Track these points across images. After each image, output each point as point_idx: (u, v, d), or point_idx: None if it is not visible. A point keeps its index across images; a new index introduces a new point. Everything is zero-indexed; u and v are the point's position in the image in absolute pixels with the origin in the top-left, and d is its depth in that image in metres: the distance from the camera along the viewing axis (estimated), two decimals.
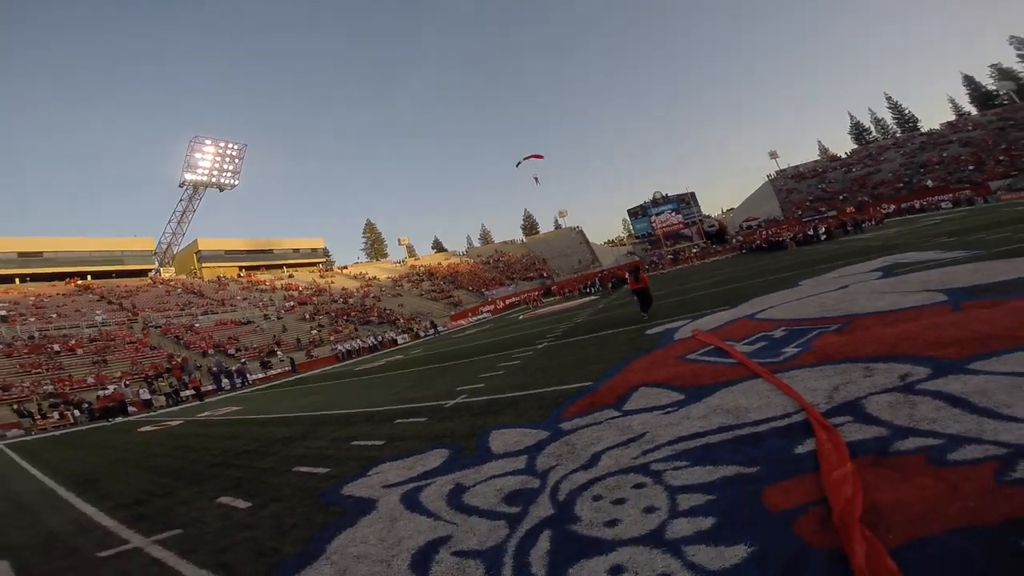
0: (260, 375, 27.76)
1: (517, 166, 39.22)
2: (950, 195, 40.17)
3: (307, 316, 42.22)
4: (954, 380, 3.19)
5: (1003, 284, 5.73)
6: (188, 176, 56.66)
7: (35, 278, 44.58)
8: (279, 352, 32.32)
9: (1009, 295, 5.11)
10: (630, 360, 6.75)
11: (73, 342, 30.41)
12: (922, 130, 64.54)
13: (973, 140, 49.69)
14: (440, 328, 38.71)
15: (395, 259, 77.92)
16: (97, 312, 36.96)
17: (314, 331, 37.72)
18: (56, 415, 20.86)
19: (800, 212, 53.99)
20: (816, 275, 11.53)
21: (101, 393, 22.48)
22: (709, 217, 65.94)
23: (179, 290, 46.57)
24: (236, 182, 61.05)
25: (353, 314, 43.69)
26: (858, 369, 3.92)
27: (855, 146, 72.35)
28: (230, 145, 59.41)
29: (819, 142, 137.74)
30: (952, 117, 66.01)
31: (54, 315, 35.48)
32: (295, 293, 50.38)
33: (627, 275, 15.04)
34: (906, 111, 73.66)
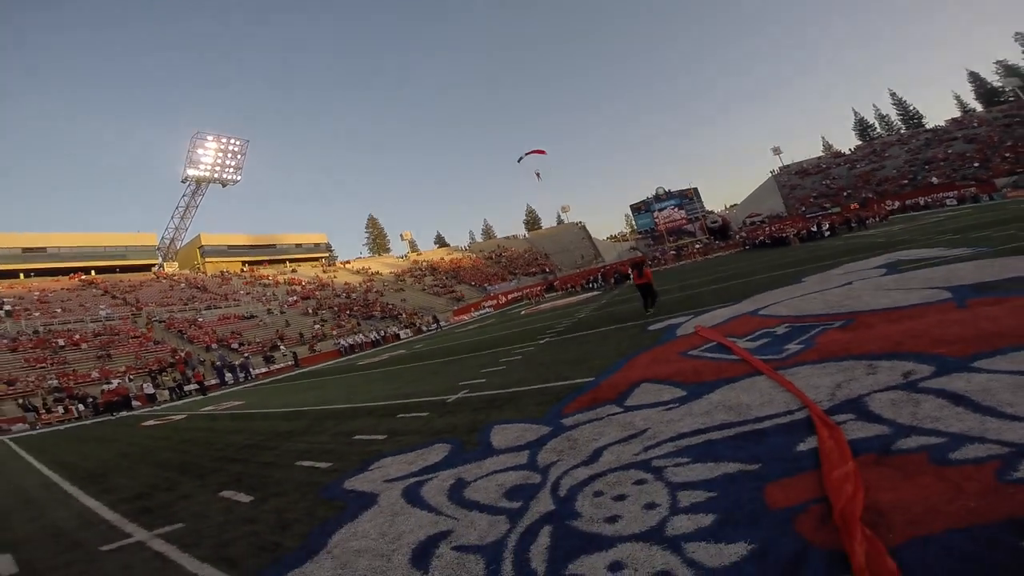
0: (263, 369, 27.88)
1: (519, 161, 39.09)
2: (955, 192, 39.90)
3: (310, 311, 42.32)
4: (958, 378, 3.17)
5: (1008, 282, 5.69)
6: (191, 172, 56.68)
7: (39, 273, 44.77)
8: (282, 347, 32.44)
9: (1014, 293, 5.07)
10: (632, 356, 6.74)
11: (77, 337, 30.57)
12: (927, 127, 64.07)
13: (979, 137, 49.33)
14: (442, 323, 38.80)
15: (398, 254, 78.01)
16: (101, 307, 37.12)
17: (317, 326, 37.83)
18: (61, 409, 21.01)
19: (804, 208, 53.77)
20: (820, 272, 11.47)
21: (105, 387, 22.62)
22: (712, 213, 65.69)
23: (182, 285, 46.73)
24: (239, 177, 61.07)
25: (356, 309, 43.78)
26: (861, 366, 3.90)
27: (859, 142, 71.94)
28: (232, 140, 59.37)
29: (823, 138, 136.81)
30: (957, 114, 65.47)
31: (58, 310, 35.67)
32: (298, 288, 50.49)
33: (630, 270, 15.03)
34: (911, 107, 73.11)
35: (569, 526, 2.54)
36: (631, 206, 67.60)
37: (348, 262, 68.31)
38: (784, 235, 36.80)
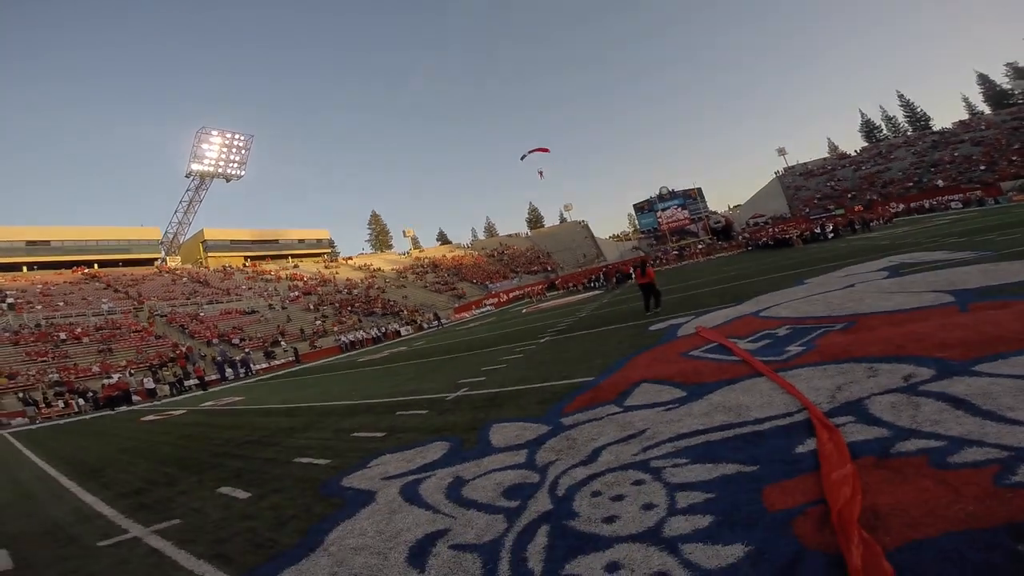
0: (264, 365, 27.92)
1: (522, 159, 39.00)
2: (960, 195, 39.77)
3: (311, 307, 42.38)
4: (958, 382, 3.16)
5: (1012, 286, 5.67)
6: (195, 167, 56.76)
7: (42, 266, 44.90)
8: (283, 342, 32.50)
9: (1018, 297, 5.05)
10: (633, 356, 6.73)
11: (79, 330, 30.66)
12: (934, 129, 63.73)
13: (986, 139, 49.10)
14: (444, 320, 38.80)
15: (400, 251, 78.10)
16: (103, 300, 37.23)
17: (318, 322, 37.88)
18: (61, 404, 21.08)
19: (808, 210, 53.63)
20: (822, 274, 11.45)
21: (106, 382, 22.67)
22: (715, 213, 65.60)
23: (185, 279, 46.83)
24: (243, 173, 61.16)
25: (357, 305, 43.83)
26: (862, 369, 3.89)
27: (865, 144, 71.62)
28: (237, 136, 59.44)
29: (828, 139, 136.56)
30: (965, 116, 65.12)
31: (61, 303, 35.78)
32: (300, 283, 50.57)
33: (632, 270, 15.00)
34: (918, 109, 72.68)
35: (567, 526, 2.53)
36: (634, 205, 67.54)
37: (350, 258, 68.39)
38: (787, 236, 36.73)
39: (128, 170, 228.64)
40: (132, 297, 39.48)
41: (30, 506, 5.62)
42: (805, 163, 67.28)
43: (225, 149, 58.51)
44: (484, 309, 44.05)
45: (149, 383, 22.51)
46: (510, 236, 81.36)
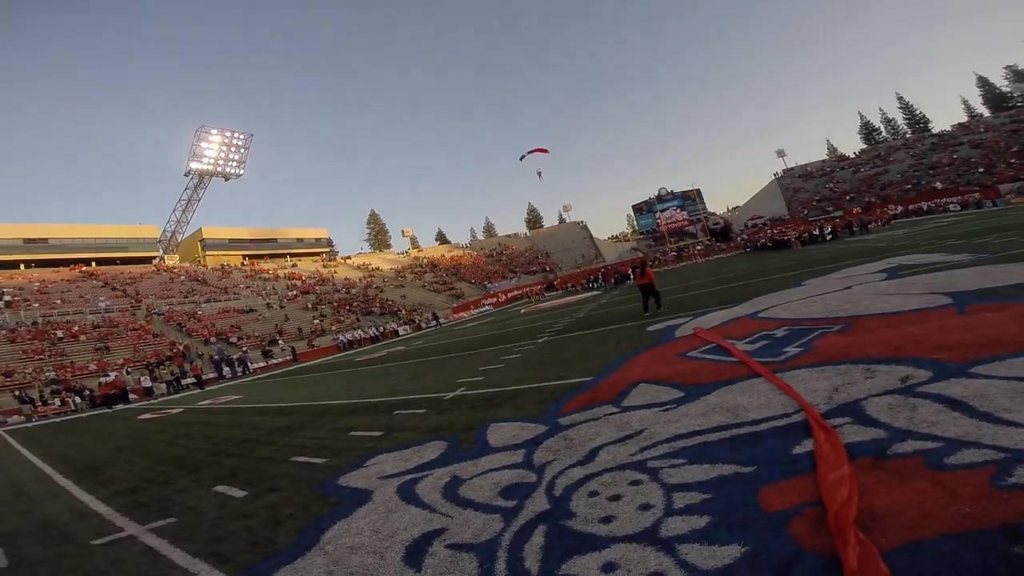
0: (261, 364, 27.87)
1: (521, 159, 38.94)
2: (958, 197, 39.85)
3: (309, 305, 42.33)
4: (955, 383, 3.17)
5: (1009, 288, 5.68)
6: (194, 165, 56.67)
7: (40, 264, 44.80)
8: (281, 341, 32.45)
9: (1015, 299, 5.06)
10: (631, 356, 6.73)
11: (76, 328, 30.58)
12: (933, 131, 63.83)
13: (984, 142, 49.19)
14: (442, 320, 38.80)
15: (398, 250, 78.06)
16: (101, 298, 37.14)
17: (316, 321, 37.83)
18: (57, 402, 20.99)
19: (806, 211, 53.71)
20: (820, 275, 11.46)
21: (103, 380, 22.60)
22: (714, 215, 65.71)
23: (183, 278, 46.74)
24: (242, 172, 61.08)
25: (355, 304, 43.78)
26: (859, 370, 3.89)
27: (864, 146, 71.71)
28: (236, 135, 59.35)
29: (828, 141, 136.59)
30: (965, 119, 65.18)
31: (58, 301, 35.69)
32: (298, 282, 50.51)
33: (631, 270, 15.01)
34: (917, 111, 72.76)
35: (563, 526, 2.53)
36: (633, 206, 67.52)
37: (349, 257, 68.35)
38: (785, 238, 36.77)
39: (127, 168, 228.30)
40: (130, 295, 39.40)
41: (25, 504, 5.60)
42: (804, 165, 67.33)
43: (224, 148, 58.43)
44: (482, 309, 44.03)
45: (146, 381, 22.44)
46: (509, 236, 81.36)
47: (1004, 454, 2.24)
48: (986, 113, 65.09)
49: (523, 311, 28.15)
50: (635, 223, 73.84)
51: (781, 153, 68.42)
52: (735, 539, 2.09)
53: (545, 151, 39.42)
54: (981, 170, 44.37)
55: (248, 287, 46.71)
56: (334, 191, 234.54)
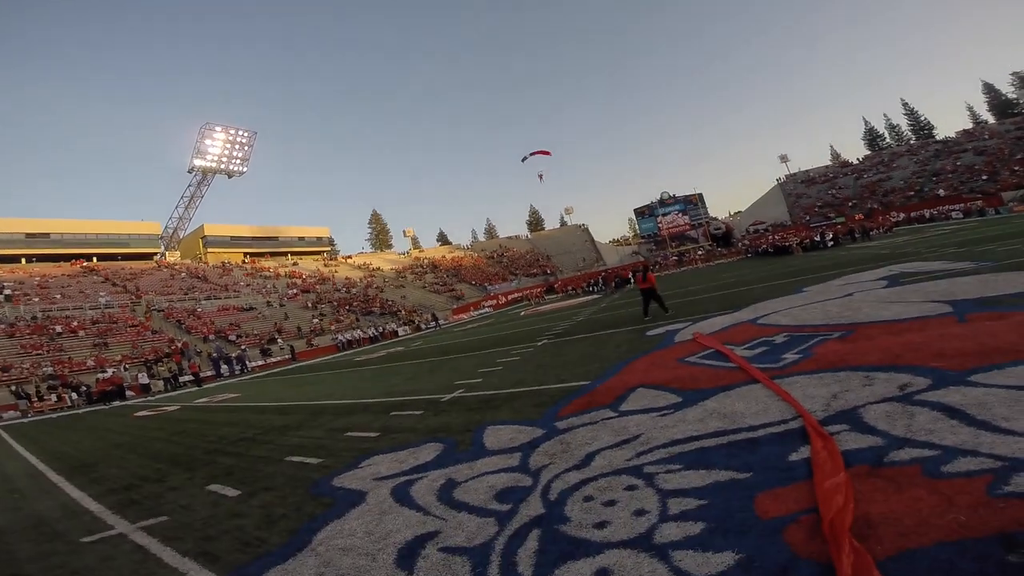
0: (260, 362, 27.87)
1: (523, 161, 38.98)
2: (961, 205, 39.84)
3: (310, 304, 42.33)
4: (954, 391, 3.15)
5: (1010, 297, 5.66)
6: (198, 162, 56.74)
7: (41, 259, 44.88)
8: (280, 340, 32.43)
9: (1015, 308, 5.04)
10: (630, 360, 6.72)
11: (75, 324, 30.57)
12: (937, 137, 63.74)
13: (988, 149, 49.14)
14: (442, 321, 38.78)
15: (399, 250, 78.17)
16: (101, 294, 37.16)
17: (316, 320, 37.82)
18: (54, 398, 20.98)
19: (808, 217, 53.72)
20: (821, 282, 11.44)
21: (100, 376, 22.61)
22: (716, 219, 65.70)
23: (183, 274, 46.78)
24: (245, 169, 61.14)
25: (355, 304, 43.78)
26: (858, 378, 3.88)
27: (868, 152, 71.68)
28: (241, 132, 59.44)
29: (831, 146, 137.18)
30: (969, 125, 65.06)
31: (58, 296, 35.71)
32: (298, 281, 50.54)
33: (633, 274, 15.00)
34: (922, 118, 72.54)
35: (558, 530, 2.51)
36: (635, 210, 67.52)
37: (350, 257, 68.39)
38: (787, 244, 36.81)
39: (130, 164, 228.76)
40: (130, 291, 39.42)
41: (17, 501, 5.58)
42: (807, 170, 67.34)
43: (228, 145, 58.52)
44: (482, 311, 44.03)
45: (143, 378, 22.42)
46: (510, 238, 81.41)
47: (1001, 462, 2.23)
48: (991, 120, 65.01)
49: (523, 314, 28.13)
50: (636, 227, 73.89)
51: (784, 158, 68.58)
52: (730, 546, 2.07)
53: (547, 153, 39.51)
54: (984, 177, 44.33)
55: (248, 285, 46.73)
56: (336, 190, 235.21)
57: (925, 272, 9.47)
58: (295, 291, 46.33)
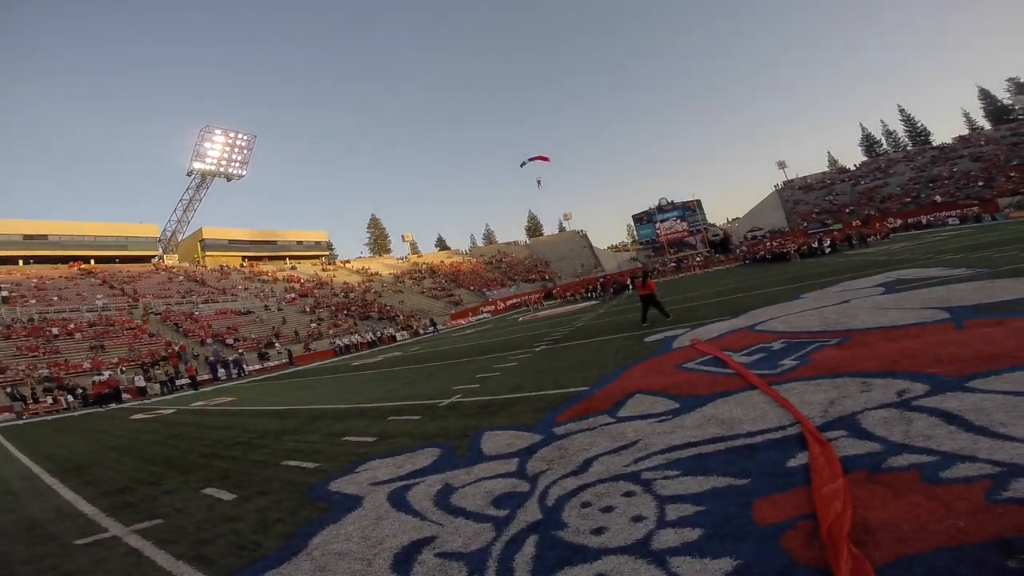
0: (257, 366, 27.79)
1: (521, 166, 38.96)
2: (958, 211, 40.04)
3: (307, 309, 42.26)
4: (952, 397, 3.15)
5: (1007, 303, 5.68)
6: (197, 165, 56.82)
7: (39, 260, 44.75)
8: (277, 344, 32.35)
9: (1013, 315, 5.06)
10: (628, 367, 6.71)
11: (72, 326, 30.47)
12: (934, 144, 64.09)
13: (984, 155, 49.44)
14: (440, 326, 38.74)
15: (398, 255, 78.00)
16: (98, 296, 37.07)
17: (313, 324, 37.74)
18: (49, 400, 20.89)
19: (806, 224, 53.88)
20: (819, 288, 11.47)
21: (96, 379, 22.50)
22: (714, 226, 65.83)
23: (181, 277, 46.69)
24: (244, 173, 61.26)
25: (353, 308, 43.72)
26: (855, 384, 3.88)
27: (865, 158, 72.05)
28: (240, 135, 59.58)
29: (828, 153, 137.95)
30: (966, 131, 65.43)
31: (55, 298, 35.60)
32: (296, 285, 50.48)
33: (632, 280, 15.02)
34: (919, 124, 73.08)
35: (555, 536, 2.50)
36: (633, 216, 67.68)
37: (348, 261, 68.36)
38: (785, 250, 36.84)
39: (129, 167, 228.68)
40: (127, 294, 39.32)
41: (10, 503, 5.54)
42: (805, 177, 67.61)
43: (228, 148, 58.64)
44: (481, 316, 44.02)
45: (140, 381, 22.34)
46: (509, 244, 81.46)
47: (1000, 468, 2.23)
48: (987, 126, 65.41)
49: (521, 319, 28.12)
50: (635, 233, 73.99)
51: (782, 165, 68.80)
52: (727, 552, 2.06)
53: (546, 159, 39.49)
54: (981, 184, 44.59)
55: (246, 289, 46.66)
56: (335, 194, 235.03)
57: (922, 278, 9.49)
58: (293, 295, 46.27)
